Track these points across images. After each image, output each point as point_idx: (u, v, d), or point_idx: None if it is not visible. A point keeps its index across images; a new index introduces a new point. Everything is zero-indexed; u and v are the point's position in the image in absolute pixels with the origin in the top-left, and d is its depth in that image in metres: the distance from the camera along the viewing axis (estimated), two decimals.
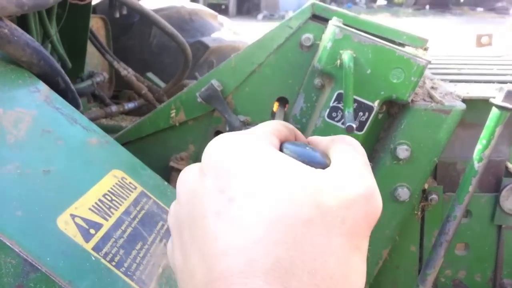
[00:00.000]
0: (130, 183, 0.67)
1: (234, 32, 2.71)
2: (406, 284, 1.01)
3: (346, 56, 0.79)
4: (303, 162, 0.34)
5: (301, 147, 0.37)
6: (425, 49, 0.88)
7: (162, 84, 2.29)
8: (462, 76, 1.16)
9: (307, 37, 0.91)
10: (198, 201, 0.33)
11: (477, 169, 0.77)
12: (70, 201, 0.54)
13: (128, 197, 0.64)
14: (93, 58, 2.13)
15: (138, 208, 0.63)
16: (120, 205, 0.61)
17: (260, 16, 16.42)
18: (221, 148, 0.34)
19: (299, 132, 0.42)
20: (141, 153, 1.01)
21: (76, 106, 0.87)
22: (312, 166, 0.34)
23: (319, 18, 0.91)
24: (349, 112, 0.76)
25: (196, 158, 1.00)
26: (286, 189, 0.31)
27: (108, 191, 0.62)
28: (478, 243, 1.01)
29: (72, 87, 0.86)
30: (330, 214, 0.30)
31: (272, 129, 0.38)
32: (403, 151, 0.86)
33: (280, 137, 0.38)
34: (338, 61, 0.82)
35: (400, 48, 0.81)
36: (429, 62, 0.81)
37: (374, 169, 0.91)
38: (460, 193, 0.79)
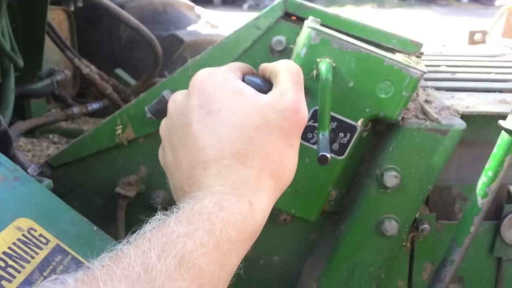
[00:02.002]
0: (40, 235, 0.51)
1: (212, 25, 2.54)
2: None
3: (324, 65, 0.65)
4: (255, 88, 0.51)
5: (255, 78, 0.55)
6: (419, 56, 0.74)
7: (133, 82, 2.11)
8: (458, 82, 1.02)
9: (279, 40, 0.76)
10: (185, 114, 0.49)
11: (481, 207, 0.64)
12: None
13: (33, 257, 0.48)
14: (54, 54, 1.94)
15: (46, 273, 0.48)
16: (19, 272, 0.46)
17: (245, 6, 16.10)
18: (203, 77, 0.50)
19: (255, 70, 0.59)
20: (84, 176, 0.86)
21: None
22: (260, 90, 0.51)
23: (293, 17, 0.76)
24: (323, 136, 0.61)
25: (149, 181, 0.84)
26: (244, 107, 0.48)
27: (4, 253, 0.46)
28: (474, 277, 0.88)
29: None
30: (271, 123, 0.48)
31: (237, 65, 0.56)
32: (391, 178, 0.72)
33: (243, 72, 0.56)
34: (314, 72, 0.67)
35: (389, 55, 0.67)
36: (424, 73, 0.66)
37: (356, 197, 0.77)
38: (459, 234, 0.66)
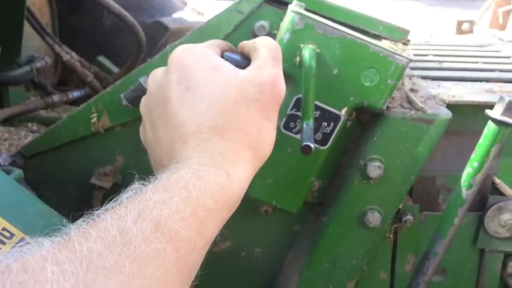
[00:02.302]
0: (4, 229, 0.48)
1: (198, 12, 2.49)
2: None
3: (307, 52, 0.62)
4: (234, 64, 0.53)
5: (233, 55, 0.56)
6: (405, 43, 0.72)
7: (116, 69, 2.06)
8: (445, 72, 1.01)
9: (261, 25, 0.73)
10: (164, 90, 0.51)
11: (465, 198, 0.62)
12: None
13: None
14: (34, 40, 1.87)
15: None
16: None
17: None
18: (181, 53, 0.52)
19: (234, 48, 0.60)
20: (58, 166, 0.82)
21: None
22: (239, 66, 0.53)
23: (276, 1, 0.73)
24: (307, 125, 0.59)
25: (125, 172, 0.81)
26: (222, 82, 0.49)
27: None
28: (458, 268, 0.88)
29: None
30: (249, 97, 0.49)
31: (216, 42, 0.58)
32: (374, 169, 0.71)
33: (222, 48, 0.57)
34: (298, 58, 0.64)
35: (375, 42, 0.65)
36: (410, 61, 0.64)
37: (339, 188, 0.75)
38: (443, 225, 0.65)
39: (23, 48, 1.76)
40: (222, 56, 0.54)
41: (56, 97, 1.69)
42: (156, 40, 2.18)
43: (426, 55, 1.22)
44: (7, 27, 1.66)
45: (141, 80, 0.72)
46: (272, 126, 0.52)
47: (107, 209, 0.39)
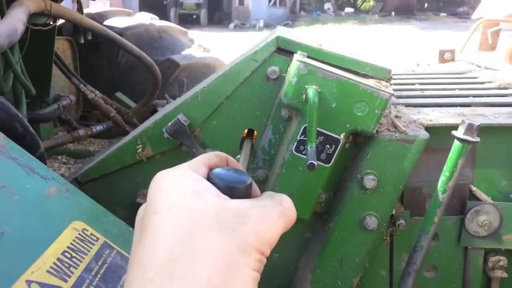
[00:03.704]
0: (91, 234, 0.65)
1: (205, 49, 2.70)
2: None
3: (311, 91, 0.80)
4: (226, 183, 0.44)
5: (226, 171, 0.46)
6: (388, 80, 0.90)
7: (132, 104, 2.25)
8: (426, 99, 1.19)
9: (273, 70, 0.91)
10: (139, 219, 0.45)
11: (442, 201, 0.79)
12: (26, 265, 0.52)
13: (89, 251, 0.62)
14: (59, 80, 2.07)
15: (100, 263, 0.61)
16: (81, 261, 0.59)
17: (231, 25, 16.44)
18: (161, 176, 0.44)
19: (231, 159, 0.53)
20: (108, 190, 0.99)
21: (36, 147, 0.84)
22: (233, 185, 0.44)
23: (284, 51, 0.91)
24: (311, 148, 0.76)
25: None
26: (199, 207, 0.40)
27: (68, 247, 0.59)
28: (446, 264, 1.03)
29: (31, 129, 0.83)
30: (224, 225, 0.39)
31: (202, 159, 0.48)
32: (369, 181, 0.87)
33: (210, 165, 0.48)
34: (304, 96, 0.82)
35: (363, 82, 0.83)
36: (392, 95, 0.82)
37: (342, 198, 0.92)
38: (426, 223, 0.81)
39: (50, 88, 1.96)
40: (209, 176, 0.45)
41: (81, 132, 1.86)
42: (168, 76, 2.38)
43: (412, 84, 1.41)
44: (39, 71, 1.86)
45: (179, 116, 0.90)
46: (248, 266, 0.39)
47: None
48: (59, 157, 1.81)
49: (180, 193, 0.41)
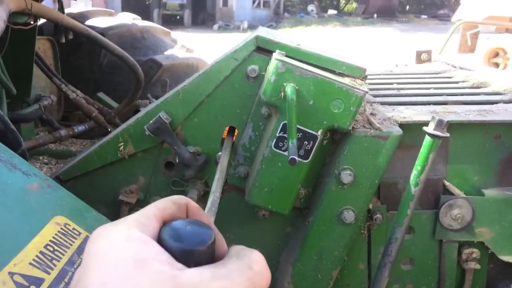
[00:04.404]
0: (73, 229, 0.66)
1: (188, 49, 2.70)
2: None
3: (289, 89, 0.82)
4: (181, 247, 0.35)
5: (183, 226, 0.37)
6: (363, 79, 0.93)
7: (114, 104, 2.24)
8: (401, 98, 1.23)
9: (253, 68, 0.93)
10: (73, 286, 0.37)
11: (414, 194, 0.82)
12: (8, 257, 0.53)
13: (71, 245, 0.63)
14: (40, 80, 2.06)
15: (82, 256, 0.62)
16: (63, 255, 0.60)
17: (215, 26, 16.43)
18: (97, 236, 0.36)
19: (193, 205, 0.42)
20: (89, 188, 0.99)
21: (17, 145, 0.84)
22: (191, 248, 0.35)
23: (263, 50, 0.94)
24: (292, 144, 0.78)
25: (147, 190, 0.99)
26: (144, 283, 0.32)
27: (50, 241, 0.60)
28: (422, 257, 1.07)
29: (12, 126, 0.83)
30: None
31: (154, 210, 0.39)
32: (346, 176, 0.90)
33: (164, 216, 0.39)
34: (282, 93, 0.84)
35: (339, 80, 0.85)
36: (366, 93, 0.85)
37: (320, 193, 0.95)
38: (399, 216, 0.84)
39: (31, 88, 1.94)
40: (161, 234, 0.37)
41: (63, 132, 1.85)
42: (151, 76, 2.38)
43: (390, 83, 1.45)
44: (19, 71, 1.84)
45: (160, 114, 0.92)
46: None
47: None
48: (41, 158, 1.80)
49: (119, 263, 0.33)
